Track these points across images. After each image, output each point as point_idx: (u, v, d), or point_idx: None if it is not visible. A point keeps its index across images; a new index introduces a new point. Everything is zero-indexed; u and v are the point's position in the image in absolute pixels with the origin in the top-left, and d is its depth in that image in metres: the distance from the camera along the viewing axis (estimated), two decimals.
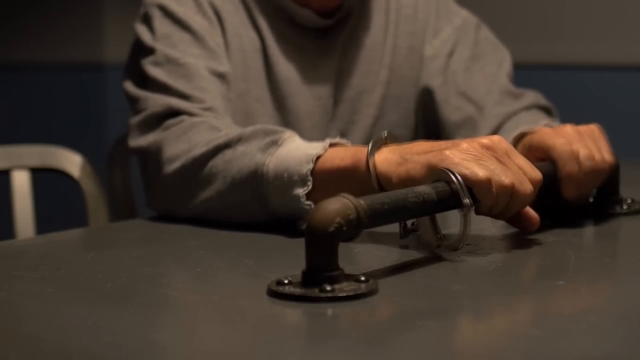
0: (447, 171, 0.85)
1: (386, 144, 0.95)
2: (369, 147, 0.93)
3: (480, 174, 0.85)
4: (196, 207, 1.07)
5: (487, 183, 0.85)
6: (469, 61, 1.33)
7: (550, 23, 2.49)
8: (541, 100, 1.33)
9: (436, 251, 0.88)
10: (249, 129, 1.04)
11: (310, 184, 0.96)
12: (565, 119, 2.59)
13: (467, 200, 0.84)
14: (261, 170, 0.99)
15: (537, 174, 0.90)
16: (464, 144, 0.88)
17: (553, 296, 0.74)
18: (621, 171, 1.08)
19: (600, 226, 1.05)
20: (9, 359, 0.62)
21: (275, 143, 1.00)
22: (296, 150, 0.98)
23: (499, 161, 0.87)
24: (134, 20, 1.27)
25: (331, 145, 0.98)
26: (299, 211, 0.97)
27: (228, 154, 1.03)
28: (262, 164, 0.99)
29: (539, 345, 0.61)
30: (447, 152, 0.87)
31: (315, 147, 0.97)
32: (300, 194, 0.96)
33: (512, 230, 0.98)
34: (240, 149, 1.02)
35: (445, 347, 0.63)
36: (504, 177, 0.86)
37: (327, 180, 0.96)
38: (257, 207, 1.01)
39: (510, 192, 0.86)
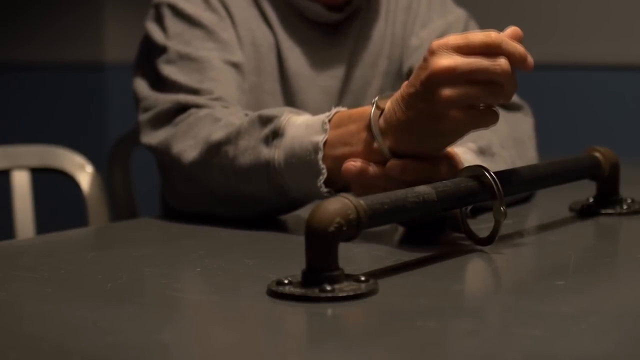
0: (486, 173, 0.87)
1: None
2: (374, 132, 0.92)
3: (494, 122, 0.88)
4: (212, 204, 1.08)
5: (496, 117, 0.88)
6: None
7: (548, 23, 2.49)
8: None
9: (465, 242, 0.90)
10: (245, 121, 1.03)
11: (324, 171, 0.95)
12: (564, 118, 2.60)
13: (503, 209, 0.86)
14: (273, 165, 0.99)
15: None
16: (445, 93, 0.86)
17: (553, 296, 0.74)
18: (621, 171, 1.08)
19: (600, 226, 1.05)
20: (9, 359, 0.62)
21: (276, 133, 0.99)
22: (300, 138, 0.97)
23: (465, 76, 0.86)
24: (134, 19, 1.27)
25: (329, 120, 0.97)
26: (319, 197, 0.98)
27: (231, 150, 1.03)
28: (272, 158, 0.99)
29: (539, 345, 0.61)
30: (455, 114, 0.87)
31: (317, 131, 0.96)
32: (318, 183, 0.96)
33: (511, 230, 0.98)
34: (242, 143, 1.02)
35: (445, 347, 0.63)
36: (496, 98, 0.87)
37: (335, 165, 0.95)
38: (278, 197, 1.02)
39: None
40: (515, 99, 1.29)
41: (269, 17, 1.27)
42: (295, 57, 1.27)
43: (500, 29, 0.89)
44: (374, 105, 0.92)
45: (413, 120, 0.89)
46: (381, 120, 0.92)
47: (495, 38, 0.86)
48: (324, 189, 0.96)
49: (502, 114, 1.25)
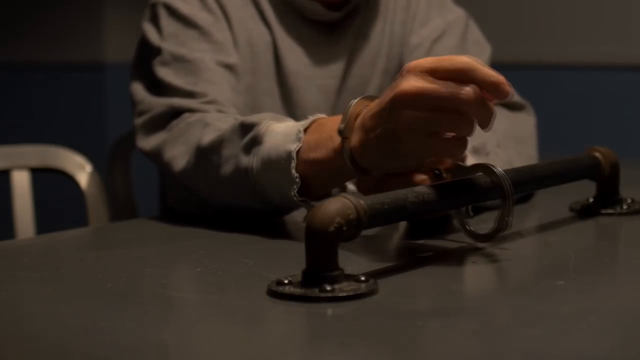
0: (492, 168, 0.87)
1: (358, 114, 0.92)
2: (342, 127, 0.91)
3: (459, 150, 0.85)
4: (204, 207, 1.09)
5: (465, 149, 0.85)
6: (455, 49, 1.32)
7: (547, 23, 2.49)
8: (512, 97, 1.29)
9: (465, 242, 0.90)
10: (229, 127, 1.03)
11: (298, 180, 0.95)
12: (564, 118, 2.60)
13: (510, 219, 0.86)
14: (252, 173, 0.99)
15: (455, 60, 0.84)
16: (406, 116, 0.84)
17: (553, 296, 0.74)
18: (621, 171, 1.08)
19: (600, 226, 1.05)
20: (8, 359, 0.62)
21: (255, 141, 0.99)
22: (276, 147, 0.97)
23: (429, 102, 0.84)
24: (134, 19, 1.27)
25: (306, 129, 0.97)
26: (297, 207, 0.97)
27: (215, 159, 1.03)
28: (250, 166, 0.99)
29: (539, 345, 0.61)
30: (411, 140, 0.85)
31: (291, 139, 0.96)
32: (293, 192, 0.96)
33: (512, 230, 0.98)
34: (225, 152, 1.02)
35: (445, 347, 0.63)
36: (460, 125, 0.84)
37: (310, 172, 0.95)
38: (261, 205, 1.02)
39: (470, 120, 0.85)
40: (517, 98, 1.29)
41: (266, 15, 1.27)
42: (292, 55, 1.27)
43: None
44: (342, 137, 0.91)
45: (376, 138, 0.88)
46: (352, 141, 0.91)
47: (466, 64, 0.83)
48: (298, 198, 0.96)
49: (505, 113, 1.25)
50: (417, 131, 0.85)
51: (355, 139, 0.90)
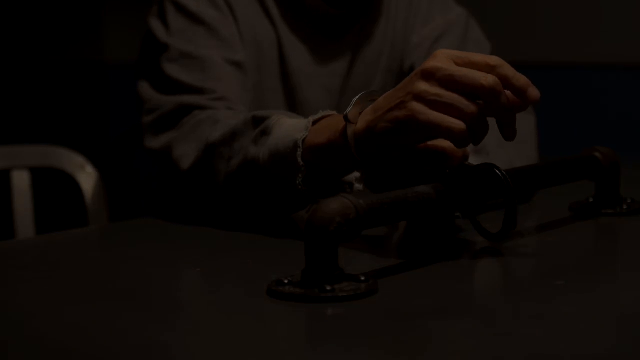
0: (494, 169, 0.86)
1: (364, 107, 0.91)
2: (348, 112, 0.90)
3: (457, 128, 0.82)
4: (213, 202, 1.08)
5: (464, 133, 0.82)
6: (456, 48, 1.31)
7: (548, 22, 2.49)
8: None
9: (464, 242, 0.90)
10: (240, 121, 1.03)
11: (304, 168, 0.95)
12: (564, 118, 2.59)
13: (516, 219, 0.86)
14: (258, 163, 0.99)
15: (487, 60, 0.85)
16: (422, 86, 0.84)
17: (553, 296, 0.74)
18: (621, 171, 1.08)
19: (600, 226, 1.05)
20: (8, 359, 0.62)
21: (264, 132, 0.99)
22: (284, 137, 0.97)
23: (449, 80, 0.83)
24: (134, 19, 1.27)
25: (316, 121, 0.96)
26: (301, 200, 0.97)
27: (226, 152, 1.03)
28: (257, 157, 0.99)
29: (539, 346, 0.61)
30: (415, 106, 0.84)
31: (299, 130, 0.96)
32: (298, 181, 0.95)
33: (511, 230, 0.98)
34: (235, 145, 1.02)
35: (445, 347, 0.63)
36: (466, 111, 0.82)
37: (314, 159, 0.94)
38: (266, 198, 1.02)
39: (480, 114, 0.83)
40: None
41: (271, 13, 1.27)
42: (296, 54, 1.27)
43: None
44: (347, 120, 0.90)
45: (383, 113, 0.86)
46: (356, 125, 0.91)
47: (496, 60, 0.84)
48: (303, 187, 0.95)
49: None
50: (425, 100, 0.83)
51: (361, 122, 0.89)
